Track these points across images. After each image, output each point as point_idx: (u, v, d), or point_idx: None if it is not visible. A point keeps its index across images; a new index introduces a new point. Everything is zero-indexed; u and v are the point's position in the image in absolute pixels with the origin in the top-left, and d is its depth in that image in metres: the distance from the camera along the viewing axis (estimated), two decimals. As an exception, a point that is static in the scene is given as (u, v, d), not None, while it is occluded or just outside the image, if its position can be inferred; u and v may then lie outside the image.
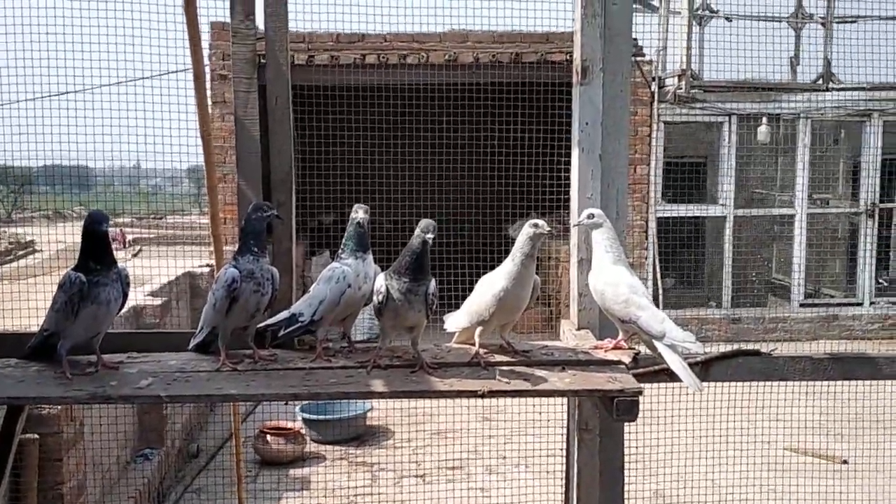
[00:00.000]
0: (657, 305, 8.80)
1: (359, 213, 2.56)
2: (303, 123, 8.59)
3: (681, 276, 10.59)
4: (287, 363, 2.56)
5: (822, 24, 9.79)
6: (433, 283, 2.48)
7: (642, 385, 2.45)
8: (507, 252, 2.68)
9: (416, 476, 6.19)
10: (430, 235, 2.34)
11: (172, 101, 6.00)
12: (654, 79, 9.64)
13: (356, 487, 5.97)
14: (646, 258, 9.78)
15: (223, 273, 2.50)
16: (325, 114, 9.07)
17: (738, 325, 9.88)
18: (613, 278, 2.66)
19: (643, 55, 9.72)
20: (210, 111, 8.43)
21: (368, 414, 7.05)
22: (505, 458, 6.43)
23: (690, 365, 2.86)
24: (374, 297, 2.48)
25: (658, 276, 9.57)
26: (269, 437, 6.38)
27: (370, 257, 2.60)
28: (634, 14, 10.33)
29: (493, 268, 2.69)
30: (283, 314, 2.61)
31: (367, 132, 10.37)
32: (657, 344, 2.51)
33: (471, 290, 2.74)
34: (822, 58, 9.69)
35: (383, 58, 9.49)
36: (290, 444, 6.41)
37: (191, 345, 2.61)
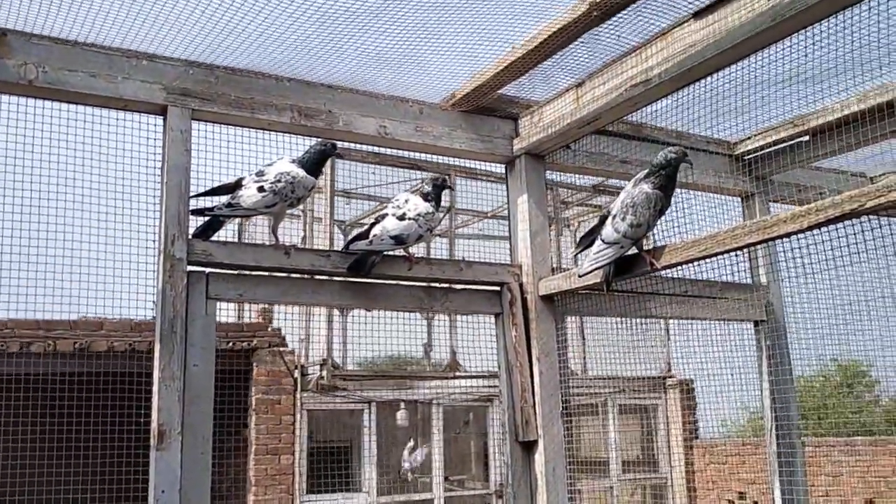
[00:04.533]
0: None
1: None
2: None
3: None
4: None
5: (448, 317, 10.86)
6: None
7: None
8: None
9: None
10: None
11: None
12: (296, 367, 9.82)
13: None
14: (292, 553, 9.37)
15: None
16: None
17: None
18: None
19: (286, 345, 9.94)
20: None
21: None
22: None
23: None
24: None
25: (304, 572, 9.18)
26: None
27: None
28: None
29: None
30: None
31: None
32: None
33: None
34: (449, 348, 10.63)
35: (3, 345, 8.68)
36: None
37: None
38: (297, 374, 9.84)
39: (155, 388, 2.96)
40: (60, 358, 8.98)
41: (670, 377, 11.01)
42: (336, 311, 10.12)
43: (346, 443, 10.68)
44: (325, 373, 9.77)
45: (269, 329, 9.98)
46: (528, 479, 3.46)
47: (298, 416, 9.77)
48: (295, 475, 9.62)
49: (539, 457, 3.44)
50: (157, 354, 2.99)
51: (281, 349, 9.85)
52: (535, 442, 3.46)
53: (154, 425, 2.93)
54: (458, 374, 10.54)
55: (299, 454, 9.69)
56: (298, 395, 9.78)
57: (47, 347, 9.00)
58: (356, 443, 10.47)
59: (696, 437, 10.88)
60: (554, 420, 3.49)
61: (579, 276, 3.29)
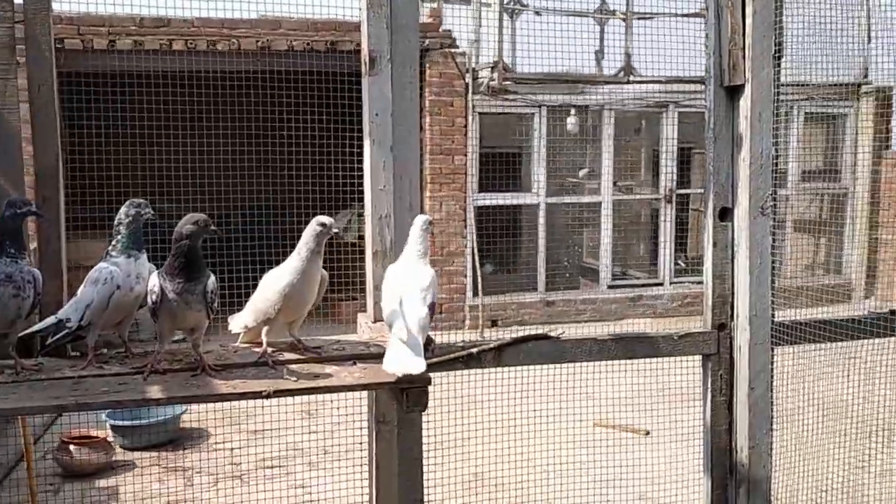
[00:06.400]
0: (476, 292, 8.71)
1: (131, 209, 2.44)
2: (107, 112, 8.14)
3: (499, 263, 10.89)
4: (54, 372, 2.38)
5: (623, 20, 10.33)
6: (212, 280, 2.38)
7: (432, 374, 2.46)
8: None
9: (234, 477, 6.00)
10: (188, 228, 2.27)
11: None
12: (468, 70, 9.81)
13: (169, 493, 5.71)
14: (465, 246, 9.98)
15: (-26, 277, 2.29)
16: (131, 101, 8.62)
17: (553, 308, 10.29)
18: (390, 270, 2.62)
19: (457, 47, 9.88)
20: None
21: (183, 416, 6.75)
22: (326, 452, 6.35)
23: (485, 350, 2.93)
24: (148, 298, 2.36)
25: (477, 263, 9.80)
26: (71, 448, 5.96)
27: (144, 256, 2.46)
28: (448, 6, 10.53)
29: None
30: (50, 320, 2.43)
31: (172, 121, 9.88)
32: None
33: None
34: (623, 52, 10.23)
35: (191, 44, 9.10)
36: (96, 452, 6.03)
37: (-64, 358, 2.38)
38: (468, 77, 9.85)
39: (364, 17, 3.00)
40: (244, 57, 9.35)
41: (866, 83, 10.21)
42: (506, 14, 9.86)
43: (516, 148, 10.85)
44: (496, 75, 9.74)
45: (440, 30, 9.89)
46: (731, 126, 3.38)
47: (470, 118, 9.92)
48: (467, 175, 9.98)
49: (744, 101, 3.32)
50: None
51: (452, 50, 9.81)
52: (742, 86, 3.32)
53: (364, 52, 3.00)
54: (631, 78, 10.22)
55: (471, 155, 9.96)
56: (470, 98, 9.86)
57: (231, 46, 9.36)
58: (526, 148, 10.61)
59: (888, 148, 10.26)
60: (765, 64, 3.30)
61: None
